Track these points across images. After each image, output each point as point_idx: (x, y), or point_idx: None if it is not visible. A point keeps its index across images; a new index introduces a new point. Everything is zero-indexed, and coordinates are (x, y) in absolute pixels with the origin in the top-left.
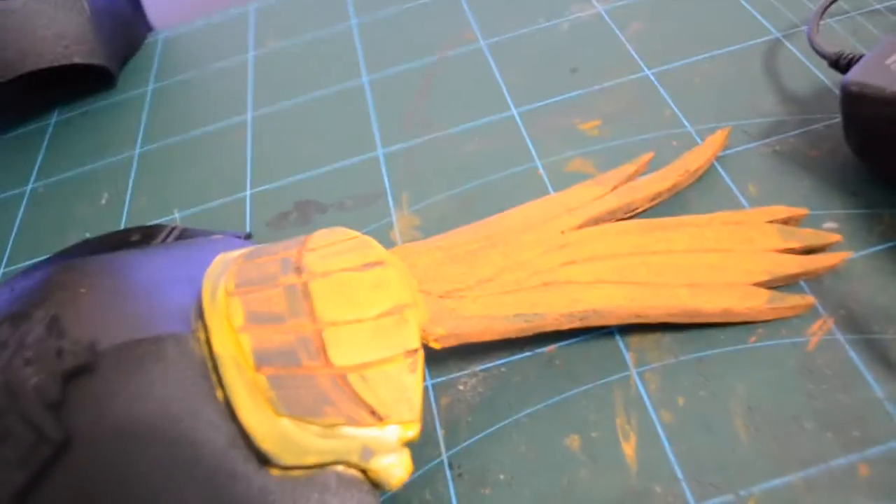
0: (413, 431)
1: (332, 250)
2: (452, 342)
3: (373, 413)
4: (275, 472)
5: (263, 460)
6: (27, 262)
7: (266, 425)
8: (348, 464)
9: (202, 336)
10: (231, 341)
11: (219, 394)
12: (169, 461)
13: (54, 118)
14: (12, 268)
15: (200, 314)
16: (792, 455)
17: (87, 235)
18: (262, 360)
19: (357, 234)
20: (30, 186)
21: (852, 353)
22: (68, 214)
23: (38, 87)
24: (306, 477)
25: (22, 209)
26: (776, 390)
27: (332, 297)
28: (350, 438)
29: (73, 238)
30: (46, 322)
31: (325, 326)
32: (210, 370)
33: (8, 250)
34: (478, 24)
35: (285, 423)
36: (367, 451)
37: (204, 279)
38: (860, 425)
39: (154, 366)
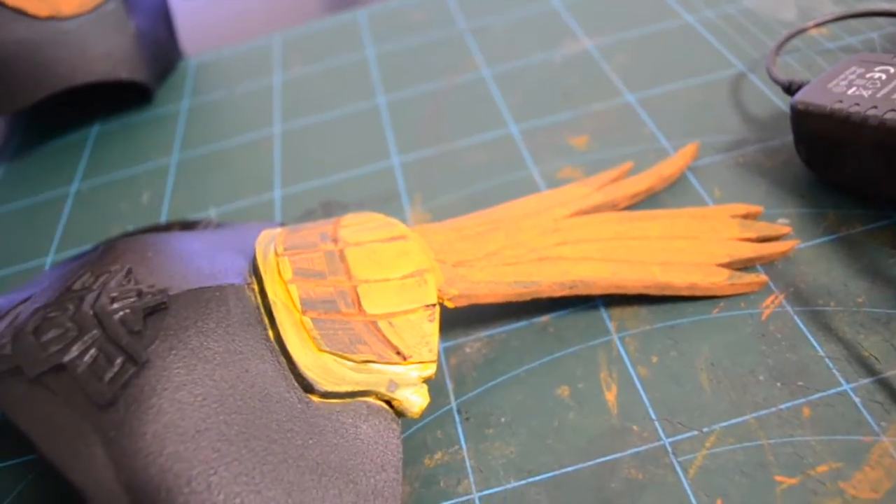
0: (431, 370)
1: (363, 227)
2: (463, 302)
3: (398, 352)
4: (315, 398)
5: (307, 388)
6: (75, 251)
7: (310, 357)
8: (377, 395)
9: (255, 288)
10: (281, 291)
11: (270, 334)
12: (230, 385)
13: (96, 129)
14: (62, 254)
15: (253, 271)
16: (747, 400)
17: (130, 228)
18: (307, 305)
19: (382, 216)
20: (74, 187)
21: (799, 322)
22: (112, 211)
23: (81, 100)
24: (342, 404)
25: (68, 206)
26: (735, 350)
27: (364, 261)
28: (379, 373)
29: (116, 231)
30: (124, 273)
31: (358, 283)
32: (262, 315)
33: (56, 241)
34: (481, 56)
35: (326, 357)
36: (393, 384)
37: (256, 245)
38: (804, 377)
39: (218, 308)
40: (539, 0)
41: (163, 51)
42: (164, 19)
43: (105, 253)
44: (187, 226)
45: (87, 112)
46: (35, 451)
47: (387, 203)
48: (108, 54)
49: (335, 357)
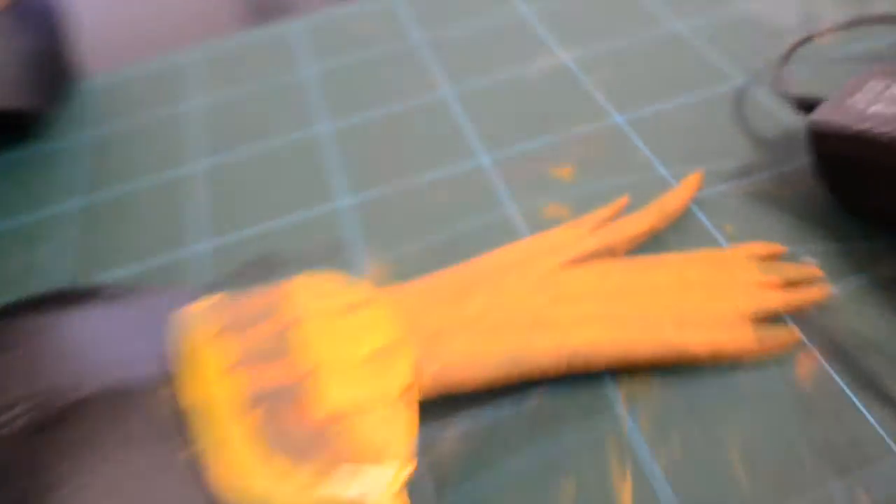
0: (407, 470)
1: (318, 292)
2: (439, 391)
3: (366, 453)
4: None
5: None
6: None
7: (246, 474)
8: None
9: (176, 386)
10: (215, 386)
11: (191, 447)
12: None
13: None
14: None
15: (176, 363)
16: (792, 489)
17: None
18: (252, 401)
19: (340, 276)
20: None
21: (841, 382)
22: None
23: None
24: None
25: None
26: (769, 425)
27: (322, 337)
28: (342, 483)
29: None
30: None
31: (316, 366)
32: (184, 424)
33: None
34: (442, 73)
35: (270, 470)
36: (362, 498)
37: (179, 324)
38: (856, 452)
39: (127, 419)
40: (504, 7)
41: (58, 73)
42: (59, 36)
43: None
44: (79, 296)
45: None
46: None
47: (336, 255)
48: None
49: (287, 466)
